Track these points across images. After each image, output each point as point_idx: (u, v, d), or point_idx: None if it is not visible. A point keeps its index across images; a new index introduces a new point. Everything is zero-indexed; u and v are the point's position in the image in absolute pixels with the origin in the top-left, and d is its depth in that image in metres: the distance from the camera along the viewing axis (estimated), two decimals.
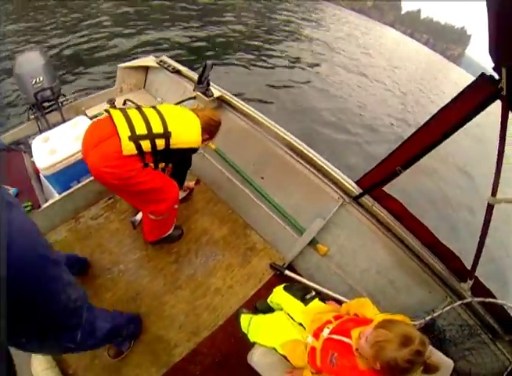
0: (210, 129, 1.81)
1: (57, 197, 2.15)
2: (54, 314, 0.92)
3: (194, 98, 2.38)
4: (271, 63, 8.84)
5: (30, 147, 2.31)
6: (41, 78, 2.52)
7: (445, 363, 1.36)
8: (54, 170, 2.09)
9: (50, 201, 2.12)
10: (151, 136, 1.53)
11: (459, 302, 1.57)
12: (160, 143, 1.57)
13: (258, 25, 12.78)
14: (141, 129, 1.52)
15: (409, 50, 34.97)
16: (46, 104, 2.68)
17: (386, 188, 1.70)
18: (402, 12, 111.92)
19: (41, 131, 2.64)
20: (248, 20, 13.04)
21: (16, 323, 0.77)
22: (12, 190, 2.26)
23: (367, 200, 1.76)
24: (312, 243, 2.03)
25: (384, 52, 20.84)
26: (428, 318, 1.59)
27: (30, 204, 2.16)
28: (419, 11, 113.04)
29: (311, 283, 1.98)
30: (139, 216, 2.18)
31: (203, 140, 1.76)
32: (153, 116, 1.59)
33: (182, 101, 2.47)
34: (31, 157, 2.27)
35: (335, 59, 12.30)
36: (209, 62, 2.24)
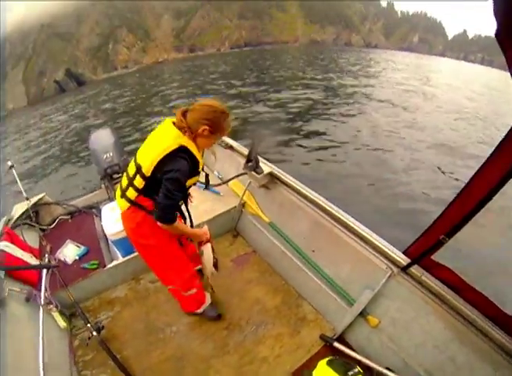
0: (207, 118, 1.47)
1: (121, 259, 2.41)
2: None
3: (246, 174, 2.56)
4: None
5: (100, 212, 2.65)
6: (111, 154, 2.94)
7: None
8: (119, 236, 2.35)
9: (114, 262, 2.39)
10: (130, 182, 1.53)
11: None
12: (139, 181, 1.49)
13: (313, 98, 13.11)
14: (124, 182, 1.58)
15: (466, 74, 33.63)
16: (115, 176, 3.05)
17: (443, 254, 1.58)
18: (449, 39, 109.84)
19: (110, 199, 3.04)
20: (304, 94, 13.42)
21: None
22: (82, 249, 2.58)
23: (416, 270, 1.71)
24: (363, 314, 1.98)
25: (442, 86, 20.46)
26: None
27: (97, 262, 2.45)
28: (465, 32, 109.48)
29: (361, 358, 1.88)
30: None
31: (201, 132, 1.48)
32: (131, 164, 1.56)
33: (235, 176, 2.71)
34: (101, 221, 2.57)
35: (384, 111, 11.90)
36: (256, 141, 2.41)
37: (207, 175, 1.79)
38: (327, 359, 1.51)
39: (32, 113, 30.73)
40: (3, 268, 1.86)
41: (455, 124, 10.93)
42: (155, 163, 1.40)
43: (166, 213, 1.46)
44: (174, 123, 1.51)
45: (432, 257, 1.60)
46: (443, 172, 6.63)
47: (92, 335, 1.89)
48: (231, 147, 3.07)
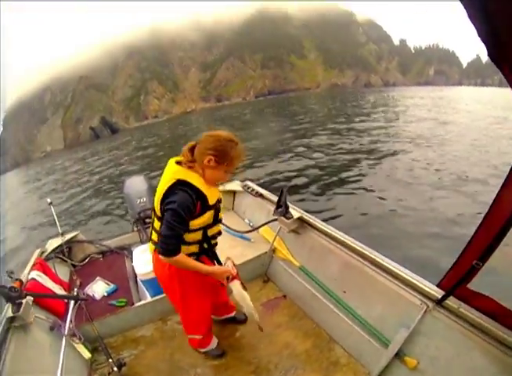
0: (212, 148, 1.44)
1: (149, 299, 2.44)
2: None
3: (276, 220, 2.60)
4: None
5: (131, 253, 2.76)
6: (145, 199, 3.10)
7: None
8: (149, 276, 2.39)
9: (142, 302, 2.43)
10: (152, 226, 1.61)
11: None
12: (157, 224, 1.54)
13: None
14: (150, 228, 1.66)
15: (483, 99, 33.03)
16: (147, 220, 3.14)
17: (480, 280, 1.45)
18: (464, 66, 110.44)
19: (141, 242, 3.14)
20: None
21: None
22: (112, 286, 2.65)
23: (452, 302, 1.59)
24: (399, 356, 1.82)
25: (460, 116, 19.95)
26: None
27: (125, 301, 2.49)
28: (478, 57, 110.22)
29: None
30: None
31: (207, 162, 1.45)
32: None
33: (266, 223, 2.75)
34: (132, 261, 2.67)
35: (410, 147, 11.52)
36: (285, 188, 2.47)
37: (216, 210, 1.63)
38: None
39: (68, 156, 33.34)
40: (33, 295, 1.91)
41: (481, 150, 10.65)
42: (159, 201, 1.45)
43: (166, 244, 1.41)
44: (177, 162, 1.53)
45: (468, 286, 1.49)
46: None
47: (113, 371, 1.88)
48: (261, 195, 3.16)
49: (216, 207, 1.60)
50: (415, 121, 17.73)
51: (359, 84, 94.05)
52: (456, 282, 1.52)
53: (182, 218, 1.40)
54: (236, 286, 1.70)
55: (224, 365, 2.13)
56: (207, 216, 1.54)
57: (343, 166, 9.53)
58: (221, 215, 1.71)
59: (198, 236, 1.59)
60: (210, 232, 1.65)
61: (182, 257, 1.47)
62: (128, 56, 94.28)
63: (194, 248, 1.62)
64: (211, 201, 1.52)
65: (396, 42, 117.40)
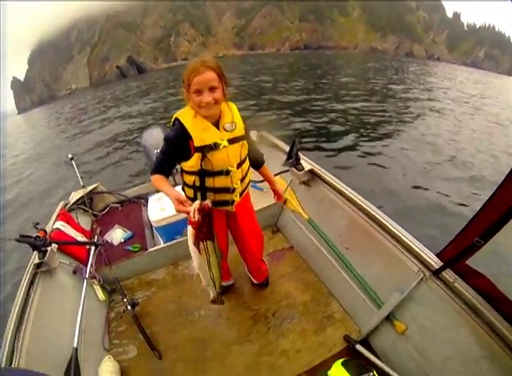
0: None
1: (162, 244, 2.63)
2: None
3: (287, 171, 2.61)
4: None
5: (147, 202, 2.91)
6: None
7: None
8: (162, 223, 2.58)
9: (156, 247, 2.62)
10: None
11: None
12: None
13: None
14: None
15: None
16: None
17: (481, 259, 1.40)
18: None
19: (157, 191, 3.23)
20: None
21: None
22: (128, 233, 2.86)
23: (448, 275, 1.58)
24: (389, 319, 1.89)
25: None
26: None
27: (139, 246, 2.71)
28: None
29: (382, 364, 1.79)
30: None
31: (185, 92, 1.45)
32: None
33: (278, 173, 2.74)
34: (147, 209, 2.81)
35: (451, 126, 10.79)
36: (297, 138, 2.42)
37: (204, 155, 1.46)
38: (343, 359, 1.48)
39: (93, 94, 33.73)
40: (56, 242, 2.13)
41: None
42: None
43: (153, 163, 1.54)
44: None
45: (467, 262, 1.45)
46: None
47: (127, 309, 2.10)
48: (275, 145, 3.13)
49: (203, 152, 1.44)
50: (461, 103, 15.78)
51: (401, 52, 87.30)
52: (455, 256, 1.51)
53: (165, 149, 1.48)
54: (189, 233, 1.34)
55: (226, 308, 2.31)
56: (194, 159, 1.46)
57: (371, 131, 9.30)
58: (230, 167, 1.53)
59: (191, 180, 1.55)
60: (210, 182, 1.55)
61: (154, 177, 1.52)
62: None
63: (191, 192, 1.61)
64: (197, 142, 1.43)
65: (449, 14, 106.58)
